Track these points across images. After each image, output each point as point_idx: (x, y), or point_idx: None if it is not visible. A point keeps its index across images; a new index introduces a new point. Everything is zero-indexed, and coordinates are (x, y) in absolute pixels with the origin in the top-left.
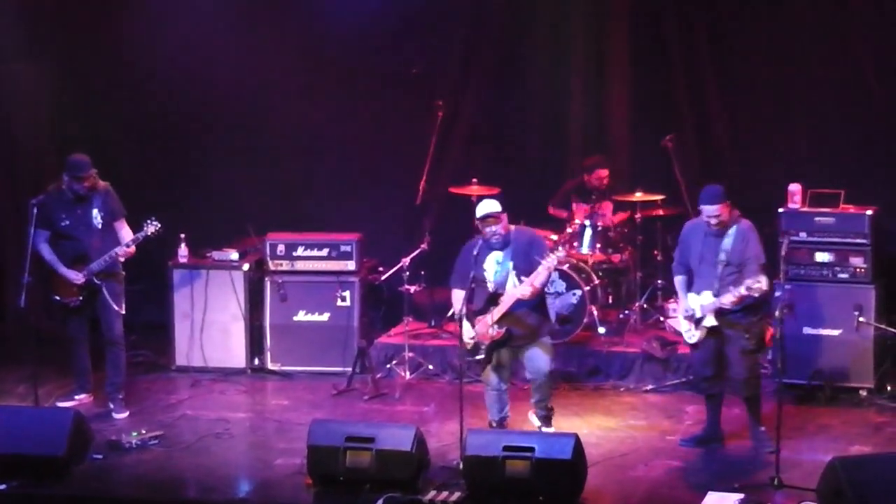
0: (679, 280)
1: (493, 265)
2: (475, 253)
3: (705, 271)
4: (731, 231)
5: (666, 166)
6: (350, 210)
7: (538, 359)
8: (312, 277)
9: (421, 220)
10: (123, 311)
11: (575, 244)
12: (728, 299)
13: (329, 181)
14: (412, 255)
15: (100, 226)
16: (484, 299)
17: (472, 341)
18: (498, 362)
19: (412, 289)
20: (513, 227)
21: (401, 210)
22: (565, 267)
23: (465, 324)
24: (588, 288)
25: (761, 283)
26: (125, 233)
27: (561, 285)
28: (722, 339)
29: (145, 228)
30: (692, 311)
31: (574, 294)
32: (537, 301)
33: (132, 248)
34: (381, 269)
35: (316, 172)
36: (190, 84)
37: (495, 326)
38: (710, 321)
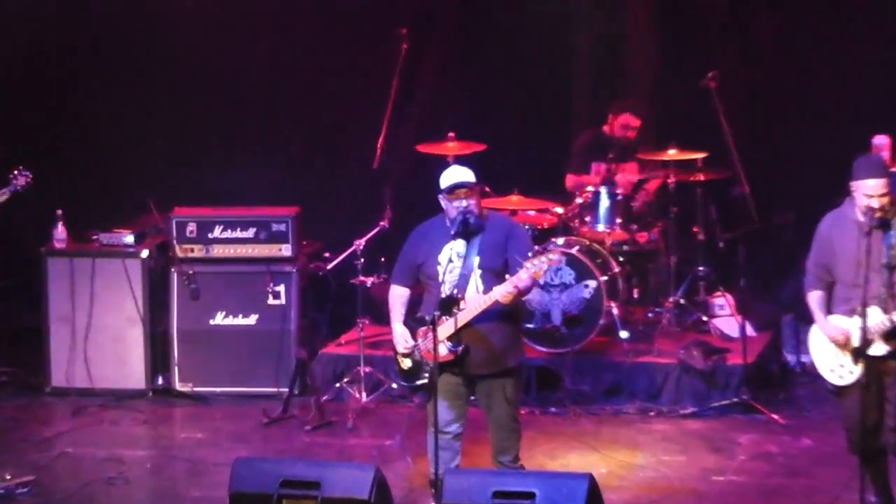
0: (816, 297)
1: (454, 259)
2: (430, 238)
3: (868, 279)
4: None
5: (706, 115)
6: (285, 178)
7: (498, 402)
8: (234, 267)
9: (379, 190)
10: None
11: (587, 219)
12: None
13: (257, 140)
14: (368, 237)
15: None
16: (434, 304)
17: (409, 360)
18: (449, 392)
19: (368, 281)
20: (487, 211)
21: (352, 177)
22: (574, 250)
23: (402, 333)
24: (605, 278)
25: None
26: None
27: (569, 275)
28: (882, 375)
29: (13, 181)
30: (846, 336)
31: (586, 286)
32: (510, 314)
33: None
34: (326, 254)
35: (240, 129)
36: (71, 5)
37: (449, 343)
38: (880, 349)
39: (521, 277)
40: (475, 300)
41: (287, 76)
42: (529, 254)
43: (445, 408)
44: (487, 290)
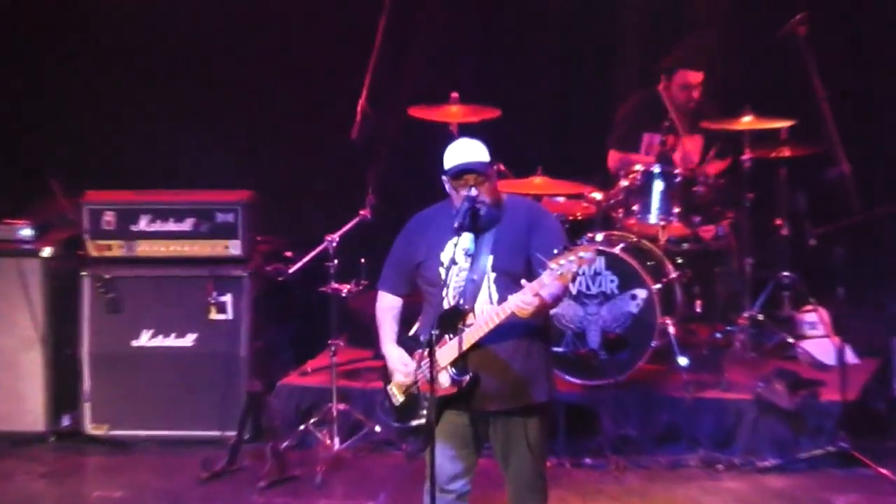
0: None
1: (460, 259)
2: (431, 231)
3: None
4: None
5: (793, 71)
6: (236, 155)
7: (518, 450)
8: (166, 270)
9: (359, 168)
10: None
11: (635, 208)
12: None
13: (202, 107)
14: (344, 230)
15: None
16: (435, 318)
17: (403, 393)
18: (453, 437)
19: (344, 289)
20: (506, 195)
21: (323, 151)
22: (618, 249)
23: (399, 356)
24: (658, 286)
25: None
26: None
27: (610, 282)
28: None
29: None
30: None
31: (633, 298)
32: (537, 332)
33: None
34: (288, 254)
35: (180, 94)
36: None
37: (453, 370)
38: None
39: (544, 282)
40: (486, 313)
41: (241, 24)
42: (555, 250)
43: (448, 458)
44: (504, 299)
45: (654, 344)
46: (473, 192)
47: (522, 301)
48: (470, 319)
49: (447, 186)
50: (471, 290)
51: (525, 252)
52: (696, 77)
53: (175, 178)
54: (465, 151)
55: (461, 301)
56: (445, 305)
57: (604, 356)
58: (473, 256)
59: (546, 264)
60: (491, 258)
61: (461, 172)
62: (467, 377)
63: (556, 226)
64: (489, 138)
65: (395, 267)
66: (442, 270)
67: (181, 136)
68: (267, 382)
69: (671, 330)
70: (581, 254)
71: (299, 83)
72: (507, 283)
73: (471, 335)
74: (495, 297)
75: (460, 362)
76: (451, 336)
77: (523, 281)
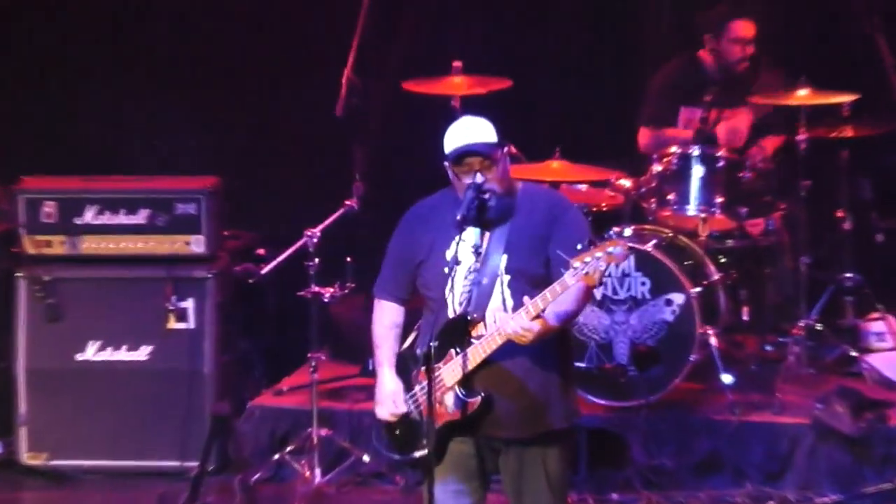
0: None
1: (465, 257)
2: (433, 224)
3: None
4: None
5: (857, 36)
6: (202, 137)
7: (534, 484)
8: (116, 270)
9: (345, 151)
10: None
11: (670, 197)
12: None
13: (163, 82)
14: (326, 224)
15: None
16: (437, 328)
17: (401, 420)
18: (457, 468)
19: (327, 293)
20: (520, 183)
21: (302, 131)
22: (649, 247)
23: (394, 391)
24: (698, 290)
25: None
26: None
27: (641, 284)
28: None
29: None
30: None
31: (669, 303)
32: (556, 345)
33: None
34: (261, 251)
35: (137, 66)
36: None
37: (461, 390)
38: None
39: (567, 283)
40: (496, 328)
41: None
42: (579, 246)
43: (451, 493)
44: (521, 305)
45: (692, 358)
46: (479, 178)
47: (521, 328)
48: (480, 330)
49: (449, 173)
50: (480, 295)
51: (544, 250)
52: (748, 28)
53: (132, 163)
54: (467, 131)
55: (470, 309)
56: (450, 313)
57: (633, 372)
58: (483, 255)
59: (569, 263)
60: (504, 257)
61: (463, 155)
62: (478, 399)
63: (581, 219)
64: (498, 115)
65: (394, 268)
66: (446, 271)
67: (136, 115)
68: (235, 403)
69: (713, 341)
70: (610, 249)
71: (275, 55)
72: (524, 287)
73: (476, 353)
74: (510, 302)
75: (467, 382)
76: (458, 350)
77: (525, 298)
